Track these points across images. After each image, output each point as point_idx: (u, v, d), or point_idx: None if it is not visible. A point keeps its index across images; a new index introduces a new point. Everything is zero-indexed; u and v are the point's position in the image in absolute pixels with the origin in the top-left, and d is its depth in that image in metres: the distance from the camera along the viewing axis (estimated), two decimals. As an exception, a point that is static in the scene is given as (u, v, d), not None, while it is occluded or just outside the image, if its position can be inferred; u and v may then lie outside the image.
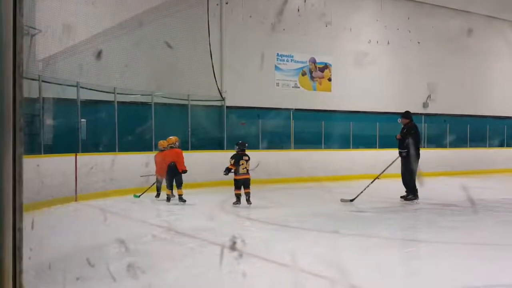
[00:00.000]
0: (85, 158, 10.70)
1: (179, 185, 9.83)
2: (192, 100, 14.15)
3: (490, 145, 20.30)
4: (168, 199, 10.06)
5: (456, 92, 19.78)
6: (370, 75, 17.98)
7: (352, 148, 16.86)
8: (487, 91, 21.09)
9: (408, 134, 10.24)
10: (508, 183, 15.38)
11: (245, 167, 9.58)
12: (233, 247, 5.87)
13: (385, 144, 17.55)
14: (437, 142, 19.02)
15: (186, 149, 13.73)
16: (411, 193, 10.24)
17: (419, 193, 10.39)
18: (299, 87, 16.54)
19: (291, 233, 7.30)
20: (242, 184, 9.58)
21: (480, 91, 20.84)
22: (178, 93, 13.80)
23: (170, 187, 10.01)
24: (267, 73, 15.97)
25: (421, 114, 18.95)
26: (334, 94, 17.19)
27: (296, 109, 16.23)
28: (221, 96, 15.04)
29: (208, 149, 14.15)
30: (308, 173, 15.11)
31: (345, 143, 16.74)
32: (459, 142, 19.21)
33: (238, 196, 9.62)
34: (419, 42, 19.13)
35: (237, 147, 9.81)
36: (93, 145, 11.80)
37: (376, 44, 18.20)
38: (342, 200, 10.07)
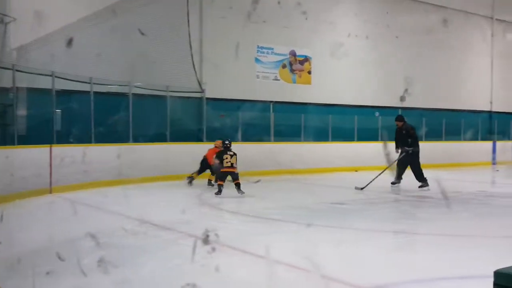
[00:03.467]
0: (60, 150, 10.49)
1: (212, 174, 11.57)
2: (171, 91, 13.99)
3: (465, 139, 20.63)
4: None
5: (432, 86, 20.02)
6: (349, 69, 18.07)
7: (331, 141, 16.93)
8: (462, 86, 21.39)
9: (407, 135, 11.54)
10: (482, 176, 15.64)
11: (229, 161, 9.94)
12: (209, 240, 5.81)
13: (363, 137, 17.73)
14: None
15: (164, 141, 13.61)
16: (424, 182, 11.35)
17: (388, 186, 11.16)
18: (279, 80, 16.52)
19: (270, 225, 7.29)
20: (226, 176, 10.01)
21: (455, 86, 21.13)
22: (157, 84, 13.62)
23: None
24: (247, 65, 15.90)
25: (398, 107, 19.14)
26: (314, 87, 17.23)
27: (276, 102, 16.22)
28: (201, 87, 14.90)
29: (187, 141, 14.03)
30: (288, 165, 15.14)
31: (324, 136, 16.81)
32: (435, 135, 19.45)
33: (219, 187, 9.97)
34: (397, 37, 19.28)
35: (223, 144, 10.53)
36: (68, 136, 11.56)
37: (355, 37, 18.27)
38: (356, 188, 11.13)
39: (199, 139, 14.57)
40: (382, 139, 17.53)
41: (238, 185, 9.92)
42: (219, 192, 9.86)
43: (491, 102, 22.29)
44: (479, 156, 20.13)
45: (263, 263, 5.08)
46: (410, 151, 11.43)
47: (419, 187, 11.36)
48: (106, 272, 4.53)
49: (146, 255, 5.38)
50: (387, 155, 13.78)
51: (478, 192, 11.28)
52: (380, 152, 17.41)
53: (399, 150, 11.67)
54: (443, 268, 4.85)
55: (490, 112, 22.33)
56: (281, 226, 7.21)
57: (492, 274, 3.11)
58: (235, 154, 10.12)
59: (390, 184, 11.54)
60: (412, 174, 11.52)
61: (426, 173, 11.68)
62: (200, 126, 14.74)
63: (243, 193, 9.81)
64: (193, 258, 5.06)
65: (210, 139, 14.49)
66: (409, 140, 11.50)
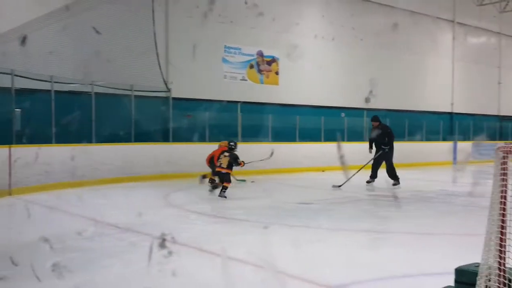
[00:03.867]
0: (19, 150, 10.17)
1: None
2: (136, 90, 13.79)
3: (427, 139, 21.13)
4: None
5: (396, 87, 20.43)
6: (315, 70, 18.22)
7: (298, 141, 17.04)
8: (424, 87, 21.91)
9: (384, 134, 12.13)
10: (443, 175, 16.00)
11: (221, 162, 9.90)
12: (171, 241, 5.75)
13: (329, 137, 17.91)
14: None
15: (129, 141, 13.40)
16: (396, 180, 11.95)
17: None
18: (246, 80, 16.52)
19: (236, 226, 7.27)
20: (217, 175, 10.18)
21: (418, 87, 21.63)
22: (121, 83, 13.40)
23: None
24: (214, 65, 15.83)
25: (363, 109, 19.43)
26: (281, 87, 17.31)
27: (243, 102, 16.20)
28: (167, 87, 14.75)
29: (153, 141, 13.86)
30: (255, 165, 15.13)
31: (291, 136, 16.90)
32: (398, 136, 19.80)
33: (211, 181, 10.70)
34: (361, 39, 19.57)
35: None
36: (28, 137, 11.22)
37: (321, 39, 18.45)
38: (333, 186, 11.55)
39: (165, 140, 14.41)
40: (337, 140, 17.71)
41: (222, 187, 9.69)
42: (212, 189, 10.17)
43: (452, 104, 22.91)
44: (440, 156, 20.64)
45: (227, 263, 5.05)
46: (387, 150, 11.97)
47: (392, 185, 11.85)
48: (61, 277, 4.39)
49: (107, 258, 5.26)
50: (341, 157, 14.15)
51: (439, 191, 11.57)
52: (346, 152, 17.65)
53: (373, 150, 12.20)
54: (405, 266, 4.92)
55: (451, 113, 22.95)
56: (246, 227, 7.19)
57: (453, 271, 3.18)
58: (231, 156, 9.91)
59: (366, 182, 12.07)
60: (369, 173, 12.01)
61: (383, 173, 11.98)
62: (166, 126, 14.58)
63: (224, 197, 9.52)
64: (154, 261, 4.99)
65: (177, 139, 14.37)
66: (386, 139, 12.04)
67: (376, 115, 12.82)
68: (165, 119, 14.64)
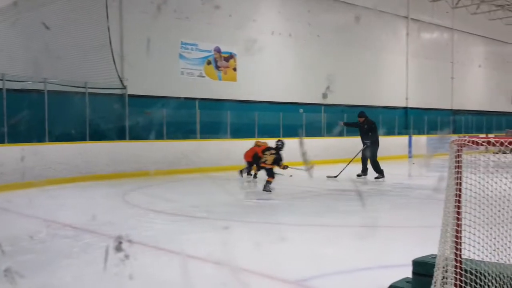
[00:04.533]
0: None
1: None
2: (90, 88, 13.42)
3: (383, 134, 21.54)
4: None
5: (352, 83, 20.74)
6: (273, 66, 18.27)
7: (257, 137, 17.03)
8: (380, 83, 22.35)
9: (369, 129, 12.73)
10: (399, 169, 16.34)
11: (266, 159, 10.54)
12: (133, 240, 5.64)
13: (288, 133, 18.00)
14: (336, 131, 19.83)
15: (84, 139, 13.06)
16: (380, 173, 12.39)
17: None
18: (204, 76, 16.37)
19: (196, 224, 7.19)
20: (260, 169, 11.17)
21: (374, 83, 22.03)
22: (75, 80, 13.02)
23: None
24: (171, 62, 15.60)
25: (321, 104, 19.65)
26: (239, 84, 17.26)
27: (201, 99, 16.06)
28: (122, 84, 14.43)
29: (109, 139, 13.55)
30: (214, 162, 15.06)
31: (250, 133, 16.89)
32: (355, 131, 20.13)
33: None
34: (318, 35, 19.76)
35: None
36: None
37: (279, 35, 18.52)
38: (328, 177, 12.35)
39: (121, 138, 14.11)
40: (299, 136, 17.86)
41: (266, 182, 10.27)
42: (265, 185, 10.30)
43: (406, 99, 23.47)
44: (396, 150, 21.12)
45: (190, 263, 4.99)
46: (369, 143, 12.57)
47: (375, 178, 12.39)
48: (13, 282, 4.22)
49: (63, 260, 5.12)
50: (304, 153, 14.37)
51: (395, 184, 11.82)
52: (307, 147, 17.80)
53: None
54: (364, 259, 5.00)
55: (406, 108, 23.51)
56: (206, 225, 7.13)
57: (411, 262, 3.23)
58: (277, 155, 10.54)
59: (356, 176, 12.62)
60: (330, 168, 12.56)
61: (349, 167, 12.15)
62: (122, 124, 14.27)
63: (268, 191, 10.01)
64: (112, 262, 4.87)
65: (134, 137, 14.11)
66: (370, 133, 12.64)
67: (362, 111, 13.35)
68: (121, 116, 14.33)
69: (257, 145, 12.39)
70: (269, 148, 10.83)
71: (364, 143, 12.77)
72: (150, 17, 14.96)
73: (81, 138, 12.98)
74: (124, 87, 14.41)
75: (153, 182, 12.26)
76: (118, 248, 5.25)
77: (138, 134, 14.15)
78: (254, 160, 11.90)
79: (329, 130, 19.80)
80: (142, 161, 13.53)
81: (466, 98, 26.77)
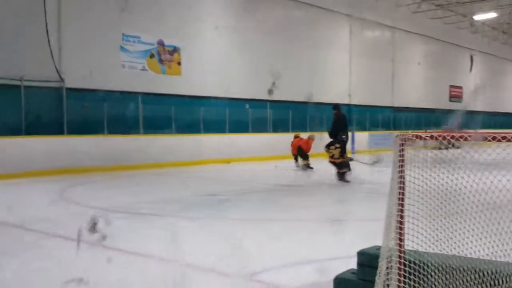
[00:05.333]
0: None
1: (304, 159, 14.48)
2: (26, 80, 12.79)
3: (327, 130, 21.87)
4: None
5: (297, 80, 20.93)
6: (218, 61, 18.12)
7: (203, 133, 16.89)
8: (324, 80, 22.68)
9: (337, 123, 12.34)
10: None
11: (333, 153, 11.02)
12: (75, 239, 5.40)
13: (234, 129, 17.96)
14: (282, 127, 19.99)
15: (19, 134, 12.46)
16: (347, 168, 12.12)
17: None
18: (147, 70, 15.98)
19: (143, 220, 6.98)
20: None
21: (318, 80, 22.32)
22: (10, 73, 12.38)
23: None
24: (112, 54, 15.09)
25: (267, 100, 19.71)
26: (184, 78, 16.98)
27: (144, 93, 15.68)
28: (60, 77, 13.82)
29: (46, 134, 12.98)
30: (159, 158, 14.78)
31: (195, 128, 16.70)
32: (300, 127, 20.42)
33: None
34: (264, 31, 19.77)
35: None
36: None
37: (224, 30, 18.37)
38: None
39: (59, 132, 13.55)
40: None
41: (339, 174, 10.99)
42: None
43: (349, 95, 23.96)
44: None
45: (137, 261, 4.84)
46: (344, 138, 12.24)
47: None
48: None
49: (7, 257, 4.92)
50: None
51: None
52: (250, 143, 17.83)
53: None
54: (310, 252, 5.04)
55: (349, 105, 24.00)
56: (152, 221, 6.95)
57: (356, 254, 3.25)
58: (339, 147, 11.04)
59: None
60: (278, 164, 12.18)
61: (290, 163, 12.25)
62: (61, 118, 13.70)
63: (346, 181, 10.81)
64: (56, 260, 4.67)
65: (73, 131, 13.61)
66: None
67: (336, 104, 13.50)
68: (59, 110, 13.76)
69: (296, 136, 15.25)
70: (332, 143, 11.19)
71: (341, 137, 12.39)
72: (90, 8, 14.43)
73: (17, 132, 12.37)
74: (62, 80, 13.82)
75: (93, 179, 11.86)
76: (66, 245, 5.03)
77: (77, 128, 13.66)
78: (300, 152, 14.49)
79: (275, 126, 19.91)
80: (81, 157, 13.05)
81: (406, 95, 27.71)
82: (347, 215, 7.49)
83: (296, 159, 14.92)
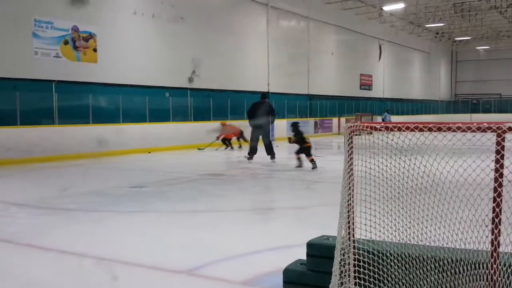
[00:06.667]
0: None
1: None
2: None
3: (246, 118, 22.10)
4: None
5: (218, 68, 20.86)
6: (136, 48, 17.59)
7: (122, 122, 16.37)
8: (244, 68, 22.81)
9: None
10: (262, 151, 16.99)
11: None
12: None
13: (154, 118, 17.60)
14: (202, 115, 19.89)
15: None
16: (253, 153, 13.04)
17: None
18: (61, 57, 15.12)
19: (67, 216, 6.65)
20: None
21: (238, 68, 22.41)
22: None
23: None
24: (23, 40, 14.08)
25: (187, 88, 19.47)
26: (101, 65, 16.27)
27: (58, 81, 14.86)
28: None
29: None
30: (76, 149, 14.14)
31: (114, 118, 16.14)
32: (221, 115, 20.44)
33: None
34: (182, 18, 19.42)
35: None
36: None
37: (141, 16, 17.83)
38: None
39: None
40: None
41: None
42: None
43: (268, 84, 24.29)
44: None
45: (66, 259, 4.63)
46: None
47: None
48: None
49: None
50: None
51: (263, 167, 12.21)
52: (171, 132, 17.59)
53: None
54: (250, 243, 5.04)
55: (267, 93, 24.33)
56: (77, 216, 6.66)
57: (295, 244, 3.31)
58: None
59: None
60: (198, 153, 12.15)
61: (212, 152, 12.26)
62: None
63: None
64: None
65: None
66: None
67: (264, 92, 14.16)
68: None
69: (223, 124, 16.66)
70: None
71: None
72: (-3, -11, 13.38)
73: None
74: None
75: (5, 172, 11.12)
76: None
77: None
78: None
79: (196, 114, 19.76)
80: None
81: (321, 84, 28.58)
82: (277, 203, 7.67)
83: (230, 144, 16.95)
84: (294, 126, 11.62)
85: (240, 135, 17.68)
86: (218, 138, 17.50)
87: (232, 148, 17.48)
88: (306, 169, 11.05)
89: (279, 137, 21.41)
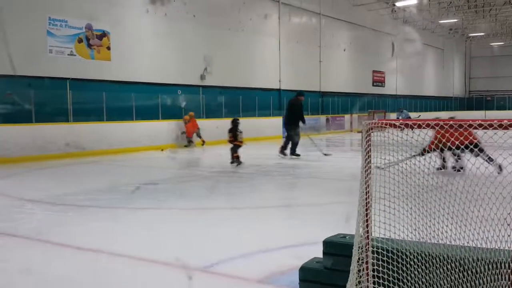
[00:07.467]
0: None
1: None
2: None
3: (259, 115, 22.15)
4: None
5: (230, 65, 20.88)
6: (149, 46, 17.66)
7: (135, 119, 16.46)
8: (255, 65, 22.78)
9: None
10: (274, 149, 16.98)
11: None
12: (14, 233, 5.14)
13: (167, 115, 17.67)
14: (214, 112, 19.92)
15: None
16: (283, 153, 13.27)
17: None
18: (75, 55, 15.24)
19: (82, 213, 6.71)
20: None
21: (250, 65, 22.40)
22: None
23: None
24: (37, 38, 14.23)
25: (199, 86, 19.53)
26: (114, 63, 16.39)
27: (73, 79, 14.97)
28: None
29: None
30: (90, 147, 14.26)
31: (127, 115, 16.23)
32: (233, 112, 20.45)
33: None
34: (194, 15, 19.47)
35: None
36: None
37: (154, 14, 17.90)
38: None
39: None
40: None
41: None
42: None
43: (280, 81, 24.25)
44: (271, 130, 21.88)
45: (83, 256, 4.67)
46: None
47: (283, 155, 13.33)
48: None
49: None
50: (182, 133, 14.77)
51: (275, 165, 12.20)
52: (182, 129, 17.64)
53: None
54: (266, 240, 5.03)
55: (279, 90, 24.32)
56: (94, 213, 6.71)
57: (309, 242, 3.30)
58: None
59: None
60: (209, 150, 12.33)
61: (225, 149, 12.37)
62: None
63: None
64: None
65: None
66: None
67: (300, 90, 14.13)
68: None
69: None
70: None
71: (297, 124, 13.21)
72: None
73: None
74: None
75: (21, 170, 11.25)
76: (9, 238, 4.76)
77: (4, 117, 12.85)
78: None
79: (207, 111, 19.80)
80: (7, 147, 12.33)
81: (333, 80, 28.47)
82: (292, 200, 7.65)
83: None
84: (234, 123, 11.86)
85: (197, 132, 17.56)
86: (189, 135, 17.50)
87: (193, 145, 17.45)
88: (322, 166, 11.03)
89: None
